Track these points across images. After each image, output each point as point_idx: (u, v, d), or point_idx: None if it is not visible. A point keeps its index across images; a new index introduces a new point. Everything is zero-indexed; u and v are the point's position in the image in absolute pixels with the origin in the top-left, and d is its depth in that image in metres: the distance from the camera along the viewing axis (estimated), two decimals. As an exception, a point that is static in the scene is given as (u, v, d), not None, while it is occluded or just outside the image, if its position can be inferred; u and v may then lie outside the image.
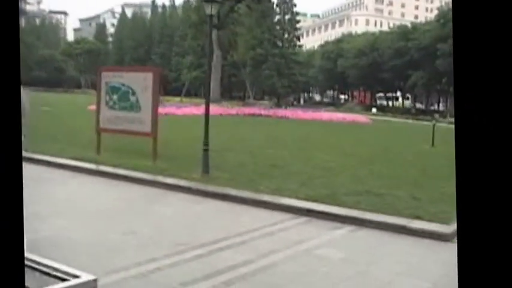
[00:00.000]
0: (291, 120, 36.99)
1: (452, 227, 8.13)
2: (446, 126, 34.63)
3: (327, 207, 8.95)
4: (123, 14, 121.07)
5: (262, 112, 40.75)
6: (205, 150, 11.36)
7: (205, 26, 47.26)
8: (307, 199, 9.39)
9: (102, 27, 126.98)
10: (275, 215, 8.72)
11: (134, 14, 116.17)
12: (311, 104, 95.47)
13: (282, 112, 42.81)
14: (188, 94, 77.32)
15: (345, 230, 8.07)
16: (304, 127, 30.20)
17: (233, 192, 9.88)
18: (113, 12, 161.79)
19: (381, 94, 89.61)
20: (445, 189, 11.42)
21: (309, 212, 8.81)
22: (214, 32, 44.25)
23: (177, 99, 62.03)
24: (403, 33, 73.36)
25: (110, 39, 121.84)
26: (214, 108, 39.53)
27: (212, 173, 11.33)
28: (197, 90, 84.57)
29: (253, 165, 12.81)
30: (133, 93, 12.97)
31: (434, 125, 21.13)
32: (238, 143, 17.75)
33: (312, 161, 14.13)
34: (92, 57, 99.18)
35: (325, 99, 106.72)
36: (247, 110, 41.68)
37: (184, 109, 37.55)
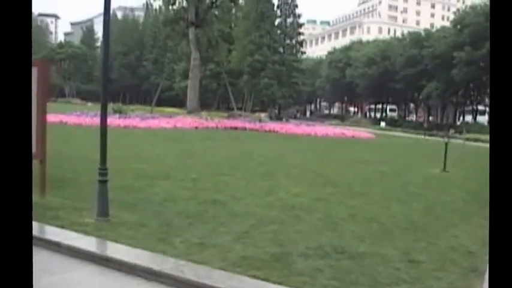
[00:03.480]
0: (278, 136, 33.42)
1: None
2: (462, 144, 30.97)
3: (257, 284, 5.67)
4: (114, 17, 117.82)
5: (247, 125, 37.49)
6: (102, 182, 7.95)
7: (181, 23, 43.54)
8: (237, 265, 6.14)
9: (89, 31, 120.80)
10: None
11: (125, 17, 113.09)
12: (317, 116, 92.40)
13: (270, 126, 39.17)
14: (182, 104, 74.82)
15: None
16: (289, 144, 26.56)
17: (120, 253, 6.57)
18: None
19: (393, 106, 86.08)
20: (458, 240, 8.17)
21: (226, 295, 5.53)
22: (192, 31, 40.44)
23: (148, 108, 59.07)
24: (416, 40, 70.50)
25: (99, 44, 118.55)
26: (188, 121, 36.34)
27: (117, 215, 8.06)
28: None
29: (186, 202, 9.46)
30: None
31: (447, 144, 17.64)
32: (185, 166, 14.20)
33: (273, 195, 10.62)
34: (78, 63, 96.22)
35: (333, 112, 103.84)
36: (230, 122, 38.36)
37: (151, 121, 33.82)
